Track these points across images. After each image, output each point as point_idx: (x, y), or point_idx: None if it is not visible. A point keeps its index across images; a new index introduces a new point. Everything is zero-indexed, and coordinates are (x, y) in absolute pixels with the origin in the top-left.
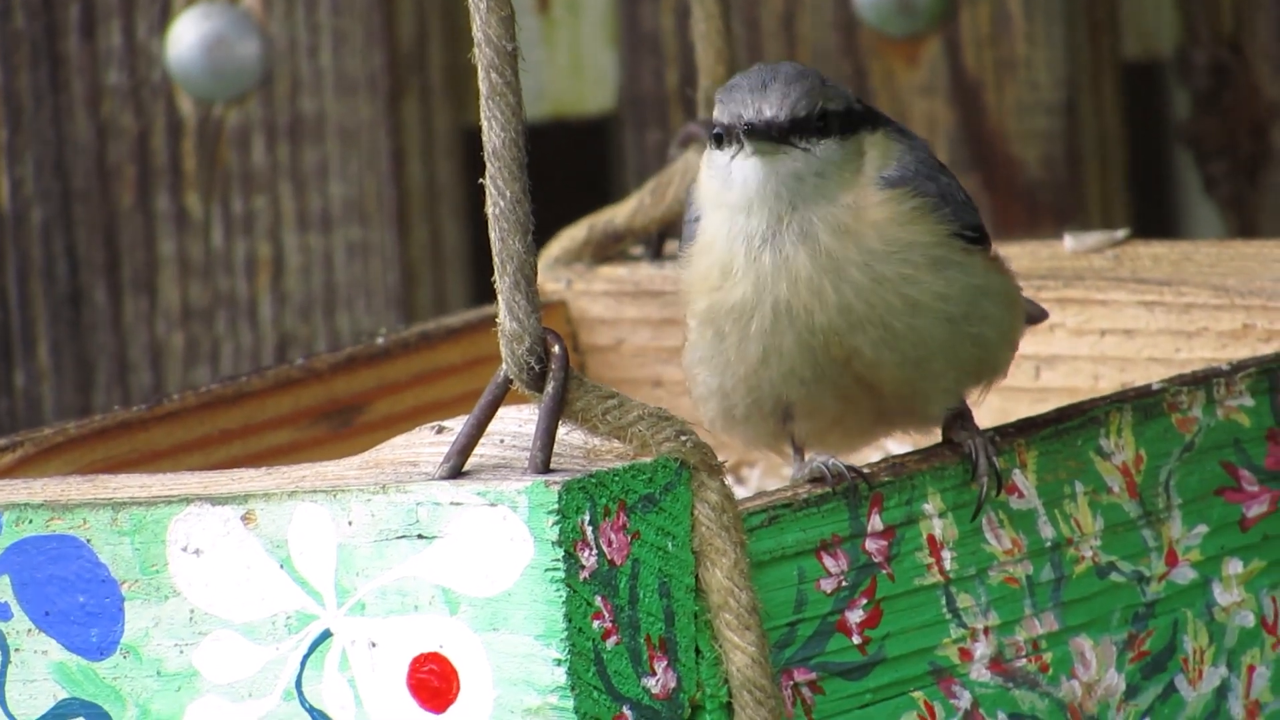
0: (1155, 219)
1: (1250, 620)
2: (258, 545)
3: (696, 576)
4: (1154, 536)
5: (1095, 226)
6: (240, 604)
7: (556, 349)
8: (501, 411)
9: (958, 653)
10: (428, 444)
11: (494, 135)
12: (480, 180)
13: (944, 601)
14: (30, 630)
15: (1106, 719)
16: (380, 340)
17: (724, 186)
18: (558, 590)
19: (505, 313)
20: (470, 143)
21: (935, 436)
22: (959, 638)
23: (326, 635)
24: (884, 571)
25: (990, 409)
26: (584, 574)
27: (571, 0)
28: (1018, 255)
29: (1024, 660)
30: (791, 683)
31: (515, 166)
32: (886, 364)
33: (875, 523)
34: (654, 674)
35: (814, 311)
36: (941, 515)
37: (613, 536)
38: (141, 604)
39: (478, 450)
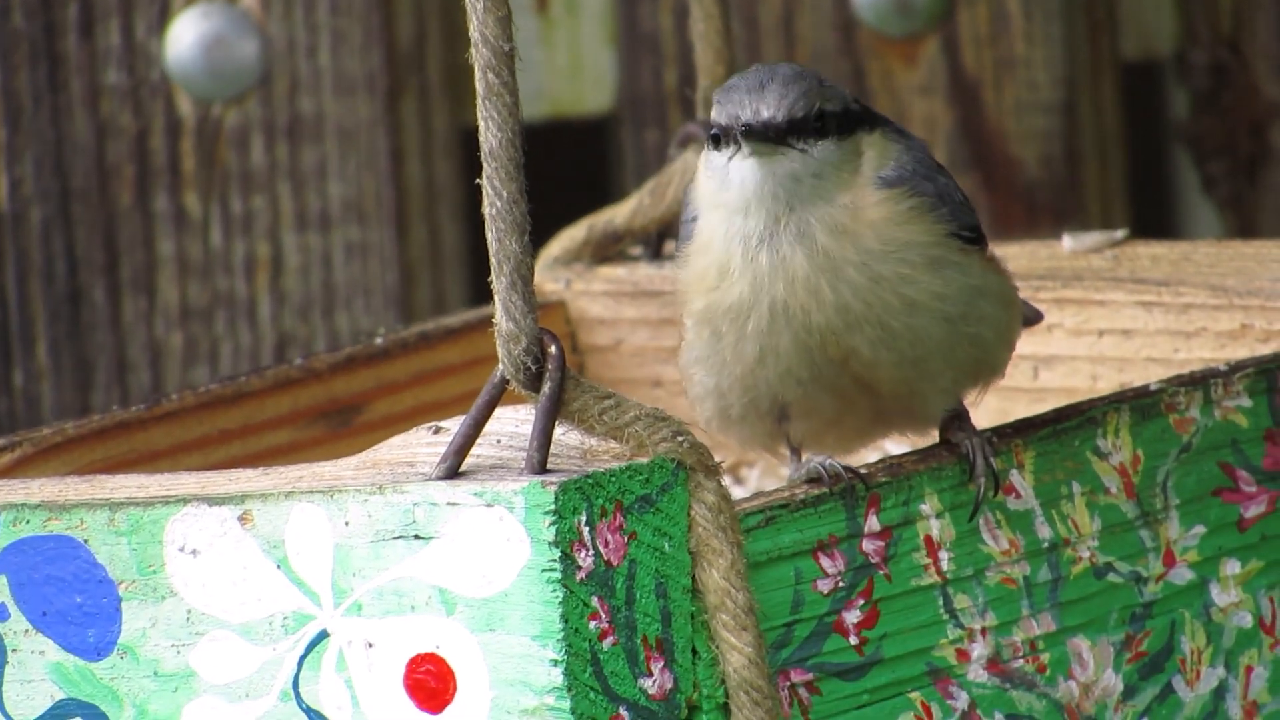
0: (1154, 219)
1: (1248, 621)
2: (255, 545)
3: (693, 577)
4: (1151, 537)
5: (1094, 226)
6: (237, 604)
7: (553, 349)
8: (498, 412)
9: (955, 653)
10: (424, 444)
11: (491, 135)
12: (478, 180)
13: (941, 602)
14: (27, 630)
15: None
16: (379, 340)
17: (721, 187)
18: (554, 591)
19: (502, 313)
20: (469, 143)
21: (932, 437)
22: (956, 638)
23: (323, 635)
24: (881, 572)
25: (988, 409)
26: (580, 574)
27: (570, 0)
28: (1016, 255)
29: (1021, 661)
30: (788, 683)
31: (512, 167)
32: (884, 364)
33: (872, 523)
34: (651, 675)
35: (811, 311)
36: (939, 516)
37: (609, 537)
38: (139, 604)
39: (475, 450)
